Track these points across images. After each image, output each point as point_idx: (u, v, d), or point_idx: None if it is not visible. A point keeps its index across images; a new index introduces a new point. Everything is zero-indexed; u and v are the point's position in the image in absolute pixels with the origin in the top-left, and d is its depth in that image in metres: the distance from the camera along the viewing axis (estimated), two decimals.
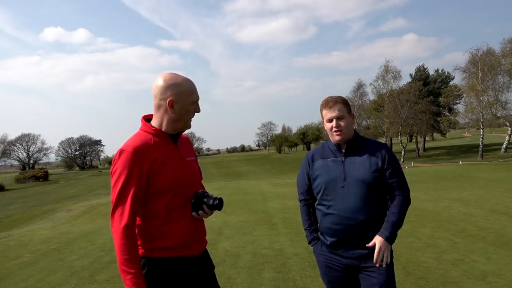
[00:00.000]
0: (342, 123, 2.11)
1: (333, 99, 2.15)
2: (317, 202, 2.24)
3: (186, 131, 1.91)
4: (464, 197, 9.69)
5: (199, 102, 1.83)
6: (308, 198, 2.31)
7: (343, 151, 2.17)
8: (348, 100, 2.31)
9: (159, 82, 1.74)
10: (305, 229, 2.34)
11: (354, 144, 2.17)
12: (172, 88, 1.73)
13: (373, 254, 2.07)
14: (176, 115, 1.75)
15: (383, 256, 2.02)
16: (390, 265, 2.09)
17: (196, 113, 1.83)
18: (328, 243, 2.16)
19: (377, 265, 2.02)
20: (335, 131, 2.12)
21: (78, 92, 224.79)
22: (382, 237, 2.03)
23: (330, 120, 2.13)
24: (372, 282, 2.05)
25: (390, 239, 2.04)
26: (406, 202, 2.12)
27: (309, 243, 2.32)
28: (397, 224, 2.07)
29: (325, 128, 2.21)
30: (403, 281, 3.85)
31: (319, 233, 2.25)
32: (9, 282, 4.57)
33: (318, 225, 2.25)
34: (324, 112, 2.16)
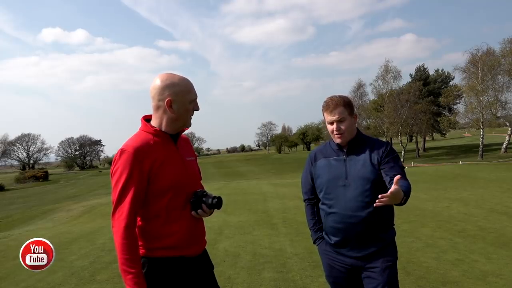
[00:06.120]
0: (342, 126, 2.11)
1: (334, 102, 2.12)
2: (320, 202, 2.24)
3: (186, 131, 1.91)
4: (464, 197, 9.69)
5: (198, 100, 1.83)
6: (312, 198, 2.31)
7: (345, 150, 2.17)
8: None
9: (156, 82, 1.75)
10: (310, 229, 2.34)
11: (356, 142, 2.16)
12: (169, 88, 1.73)
13: (377, 254, 2.07)
14: (175, 114, 1.76)
15: (389, 198, 1.72)
16: (393, 266, 2.08)
17: (195, 112, 1.83)
18: (332, 242, 2.16)
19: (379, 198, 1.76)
20: (336, 134, 2.13)
21: (78, 92, 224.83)
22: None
23: (331, 123, 2.14)
24: (374, 282, 2.04)
25: (405, 193, 1.82)
26: (410, 185, 1.94)
27: (314, 242, 2.32)
28: (407, 190, 1.87)
29: (327, 129, 2.21)
30: (403, 281, 3.84)
31: (323, 233, 2.25)
32: (9, 282, 4.58)
33: (322, 224, 2.25)
34: (325, 114, 2.15)
